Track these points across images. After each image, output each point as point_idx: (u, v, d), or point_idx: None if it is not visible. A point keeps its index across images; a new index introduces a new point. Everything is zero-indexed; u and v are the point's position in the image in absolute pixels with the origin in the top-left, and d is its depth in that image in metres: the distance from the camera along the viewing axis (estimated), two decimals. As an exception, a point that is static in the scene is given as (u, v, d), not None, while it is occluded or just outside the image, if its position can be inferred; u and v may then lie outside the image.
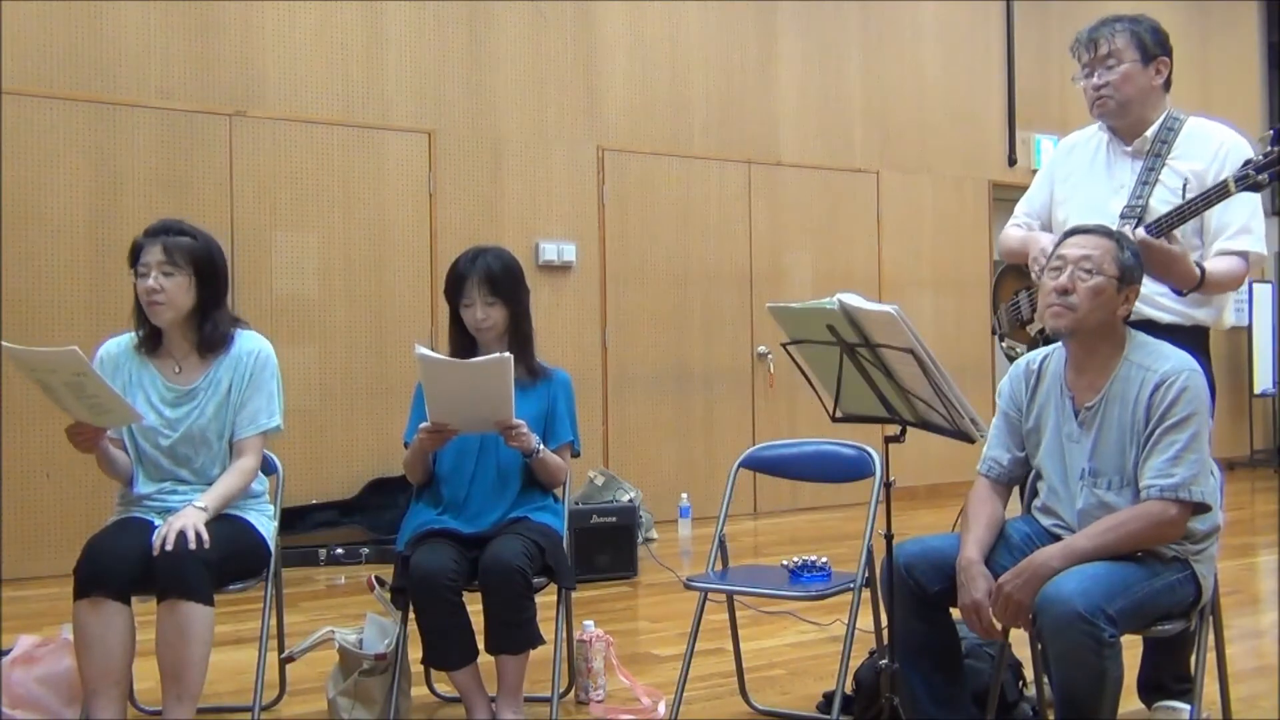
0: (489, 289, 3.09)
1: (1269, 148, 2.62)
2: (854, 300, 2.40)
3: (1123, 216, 2.86)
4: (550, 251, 6.64)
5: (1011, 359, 3.07)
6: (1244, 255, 2.83)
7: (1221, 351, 9.57)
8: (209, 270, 2.91)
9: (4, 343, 2.59)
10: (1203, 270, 2.75)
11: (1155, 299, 2.85)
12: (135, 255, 2.89)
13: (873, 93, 7.91)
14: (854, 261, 7.76)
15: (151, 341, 2.95)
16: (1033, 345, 3.04)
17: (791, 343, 2.63)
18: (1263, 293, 9.64)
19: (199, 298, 2.90)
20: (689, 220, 7.15)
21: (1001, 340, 3.25)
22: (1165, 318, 2.85)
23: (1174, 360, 2.47)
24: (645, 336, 6.98)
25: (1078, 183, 3.05)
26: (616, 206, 6.91)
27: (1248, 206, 2.80)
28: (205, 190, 5.76)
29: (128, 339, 2.98)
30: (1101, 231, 2.56)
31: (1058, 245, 2.59)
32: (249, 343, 3.00)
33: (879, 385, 2.52)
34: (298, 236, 6.00)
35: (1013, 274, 3.22)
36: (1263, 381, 9.59)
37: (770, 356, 7.30)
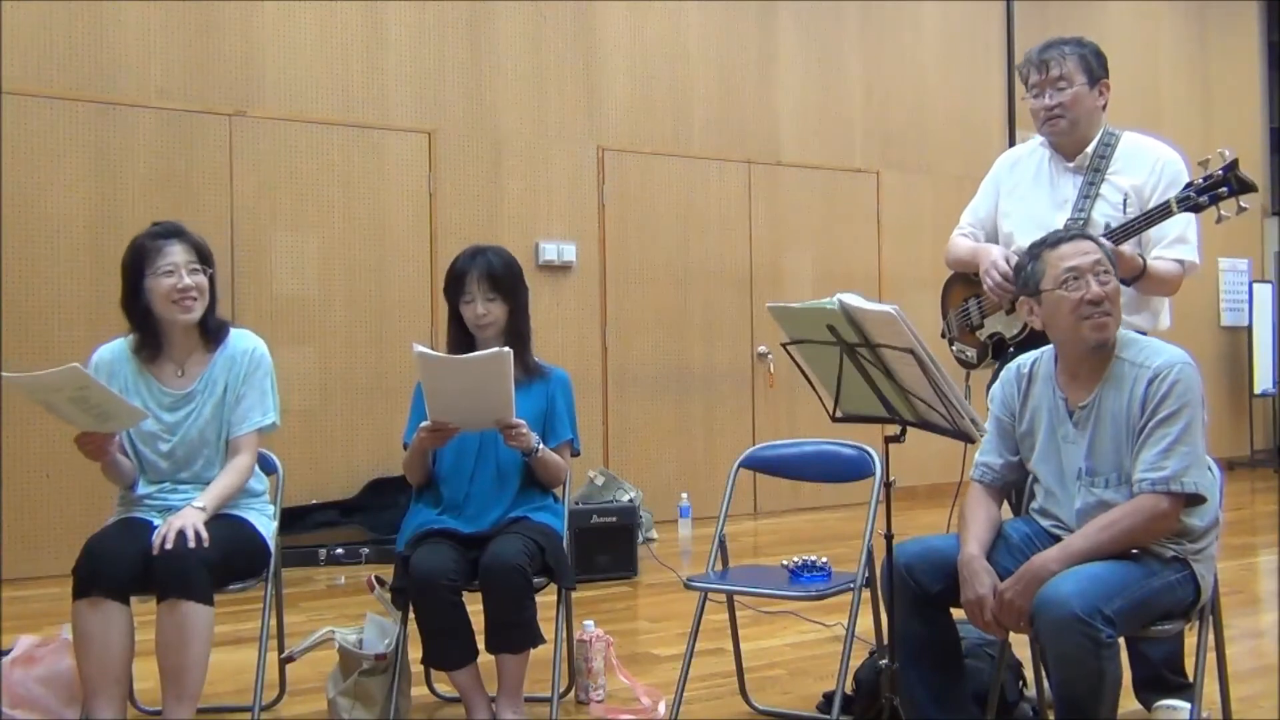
0: (489, 285, 3.10)
1: (1216, 172, 2.72)
2: (854, 300, 2.40)
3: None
4: (550, 251, 6.64)
5: (961, 361, 3.25)
6: (1180, 263, 2.95)
7: (1222, 351, 9.57)
8: (212, 267, 2.96)
9: (5, 374, 2.59)
10: (1144, 261, 2.88)
11: None
12: (146, 257, 2.87)
13: (873, 93, 7.91)
14: (854, 261, 7.75)
15: (150, 350, 2.94)
16: (982, 349, 3.18)
17: (791, 343, 2.63)
18: (1263, 293, 9.63)
19: (210, 294, 2.95)
20: (689, 220, 7.15)
21: (951, 344, 3.34)
22: None
23: (1166, 355, 2.48)
24: (645, 337, 6.98)
25: (1023, 196, 3.20)
26: (616, 206, 6.91)
27: (1183, 219, 2.92)
28: (205, 190, 5.76)
29: (121, 344, 2.98)
30: (1081, 235, 2.58)
31: (1036, 257, 2.56)
32: (243, 341, 3.01)
33: (879, 385, 2.52)
34: (298, 236, 6.00)
35: (961, 282, 3.31)
36: (1263, 381, 9.59)
37: (770, 356, 7.30)
